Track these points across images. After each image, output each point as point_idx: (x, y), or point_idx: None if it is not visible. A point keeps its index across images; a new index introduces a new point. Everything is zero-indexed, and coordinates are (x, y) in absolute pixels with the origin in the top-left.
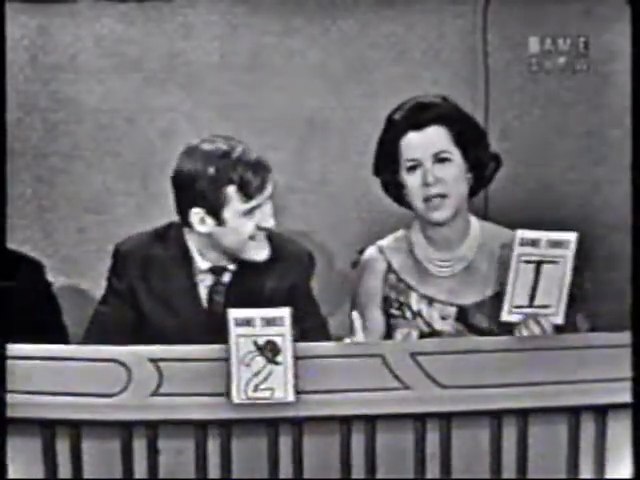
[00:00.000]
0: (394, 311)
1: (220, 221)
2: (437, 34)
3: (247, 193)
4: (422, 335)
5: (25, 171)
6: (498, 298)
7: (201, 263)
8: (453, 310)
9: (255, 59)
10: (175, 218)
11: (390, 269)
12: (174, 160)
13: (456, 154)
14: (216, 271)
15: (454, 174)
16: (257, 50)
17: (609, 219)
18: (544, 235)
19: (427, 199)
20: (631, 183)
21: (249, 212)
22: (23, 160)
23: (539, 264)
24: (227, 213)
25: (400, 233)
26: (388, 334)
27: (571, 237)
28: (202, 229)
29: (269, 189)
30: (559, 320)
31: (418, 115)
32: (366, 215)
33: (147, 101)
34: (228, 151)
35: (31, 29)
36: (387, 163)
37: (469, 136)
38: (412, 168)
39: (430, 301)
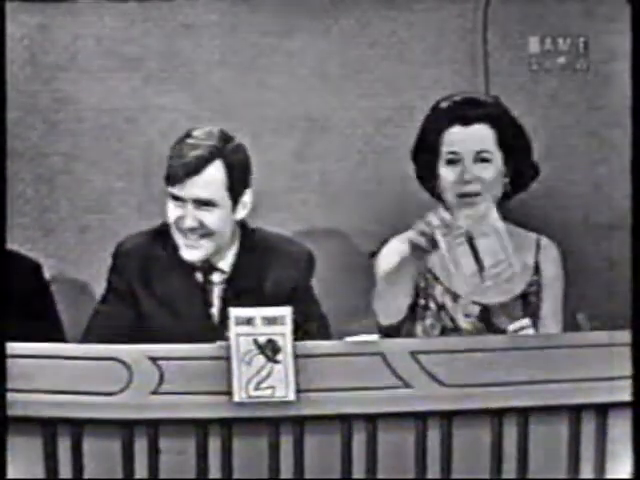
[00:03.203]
0: (420, 300)
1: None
2: (437, 33)
3: (167, 176)
4: (444, 329)
5: (25, 171)
6: (522, 299)
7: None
8: (477, 309)
9: (255, 58)
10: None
11: None
12: None
13: (497, 156)
14: (204, 269)
15: (491, 175)
16: (257, 49)
17: (609, 219)
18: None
19: (461, 195)
20: (631, 183)
21: (171, 198)
22: (23, 159)
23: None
24: (167, 191)
25: None
26: (411, 323)
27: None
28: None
29: (191, 190)
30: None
31: (467, 110)
32: (367, 215)
33: (148, 100)
34: (185, 135)
35: (31, 28)
36: (426, 151)
37: (513, 141)
38: (451, 162)
39: (455, 297)
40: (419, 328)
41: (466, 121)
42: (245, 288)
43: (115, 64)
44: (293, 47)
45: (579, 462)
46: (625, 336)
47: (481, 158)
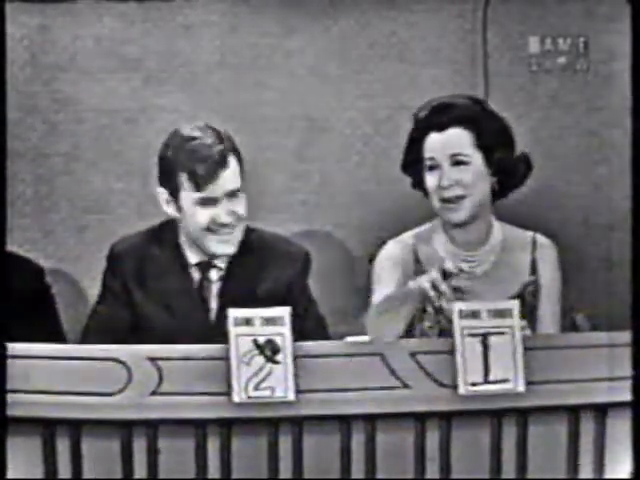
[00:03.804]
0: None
1: (178, 206)
2: (437, 34)
3: (196, 183)
4: (442, 330)
5: (25, 171)
6: (518, 299)
7: (191, 258)
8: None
9: (255, 59)
10: (170, 216)
11: (417, 260)
12: None
13: (476, 157)
14: (202, 267)
15: (472, 177)
16: (257, 50)
17: (609, 219)
18: (484, 306)
19: (443, 200)
20: (631, 183)
21: (202, 203)
22: (23, 160)
23: (485, 336)
24: (183, 200)
25: (425, 227)
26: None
27: (513, 306)
28: (167, 210)
29: (224, 185)
30: (520, 388)
31: (440, 115)
32: (366, 215)
33: (147, 101)
34: (188, 139)
35: (31, 29)
36: (413, 161)
37: (492, 140)
38: (431, 168)
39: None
40: (417, 331)
41: (440, 127)
42: (242, 286)
43: (115, 65)
44: (293, 47)
45: (578, 463)
46: (624, 337)
47: (457, 161)
